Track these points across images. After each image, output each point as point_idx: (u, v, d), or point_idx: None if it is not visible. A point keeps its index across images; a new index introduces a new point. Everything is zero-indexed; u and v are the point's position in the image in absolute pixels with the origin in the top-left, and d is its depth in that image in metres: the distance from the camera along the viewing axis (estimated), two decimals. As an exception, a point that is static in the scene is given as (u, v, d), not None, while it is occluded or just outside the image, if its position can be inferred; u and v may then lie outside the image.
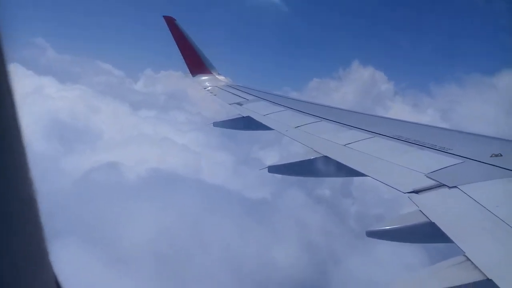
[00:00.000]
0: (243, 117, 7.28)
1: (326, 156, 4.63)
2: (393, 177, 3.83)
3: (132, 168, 49.13)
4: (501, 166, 3.48)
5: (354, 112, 6.76)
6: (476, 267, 2.21)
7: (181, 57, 11.70)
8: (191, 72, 11.75)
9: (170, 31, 11.62)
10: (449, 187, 3.28)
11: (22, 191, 0.73)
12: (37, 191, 0.75)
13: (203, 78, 11.46)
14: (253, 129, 7.11)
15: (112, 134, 65.71)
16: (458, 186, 3.25)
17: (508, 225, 2.56)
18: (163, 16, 11.88)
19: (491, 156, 3.72)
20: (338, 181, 47.58)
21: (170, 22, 11.69)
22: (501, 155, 3.70)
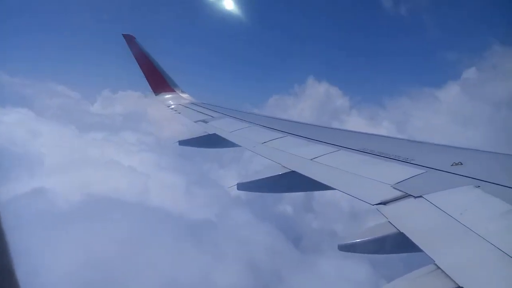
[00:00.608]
0: (209, 134, 7.20)
1: (294, 171, 4.64)
2: (360, 189, 3.88)
3: (65, 194, 45.07)
4: (462, 174, 3.61)
5: (319, 126, 6.86)
6: (447, 275, 2.24)
7: (141, 76, 11.50)
8: (153, 91, 11.55)
9: (130, 49, 11.42)
10: (415, 197, 3.35)
11: None
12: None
13: (166, 96, 11.30)
14: (219, 147, 7.03)
15: (54, 159, 60.18)
16: (423, 196, 3.33)
17: (473, 231, 2.63)
18: (123, 34, 11.68)
19: (452, 165, 3.85)
20: (298, 196, 47.69)
21: (130, 40, 11.50)
22: (461, 164, 3.84)
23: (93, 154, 64.60)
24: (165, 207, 45.83)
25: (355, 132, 6.23)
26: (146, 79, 11.50)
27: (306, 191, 4.91)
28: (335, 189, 4.07)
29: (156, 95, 11.47)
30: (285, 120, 7.63)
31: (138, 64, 11.38)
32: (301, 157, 5.07)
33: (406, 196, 3.42)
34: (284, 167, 4.79)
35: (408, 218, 3.14)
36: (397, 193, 3.50)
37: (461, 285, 2.13)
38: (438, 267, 2.34)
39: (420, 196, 3.33)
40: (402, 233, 2.90)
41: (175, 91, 11.47)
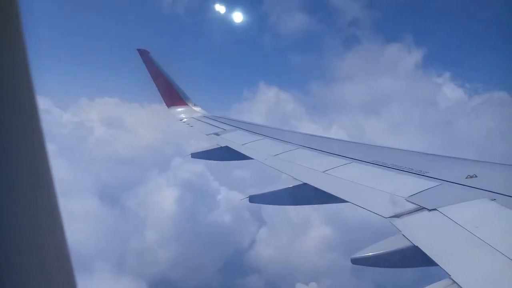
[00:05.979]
0: (221, 147, 7.24)
1: (306, 184, 4.63)
2: (373, 202, 3.85)
3: None
4: (477, 187, 3.56)
5: (330, 138, 6.85)
6: None
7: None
8: (166, 104, 11.70)
9: (145, 64, 11.62)
10: (429, 210, 3.31)
11: (46, 193, 0.78)
12: (57, 194, 0.79)
13: (179, 109, 11.42)
14: (231, 159, 7.06)
15: None
16: (438, 209, 3.29)
17: (489, 245, 2.59)
18: (137, 49, 11.91)
19: (466, 178, 3.80)
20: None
21: (144, 55, 11.72)
22: (476, 176, 3.79)
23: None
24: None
25: (367, 144, 6.21)
26: (160, 92, 11.66)
27: (318, 203, 4.89)
28: (347, 201, 4.05)
29: (168, 108, 11.61)
30: (297, 133, 7.64)
31: (152, 78, 11.57)
32: (313, 169, 5.06)
33: (420, 209, 3.38)
34: (296, 179, 4.79)
35: (422, 232, 3.10)
36: (411, 206, 3.47)
37: None
38: (454, 282, 2.30)
39: (435, 209, 3.29)
40: (417, 246, 2.86)
41: (187, 105, 11.59)
